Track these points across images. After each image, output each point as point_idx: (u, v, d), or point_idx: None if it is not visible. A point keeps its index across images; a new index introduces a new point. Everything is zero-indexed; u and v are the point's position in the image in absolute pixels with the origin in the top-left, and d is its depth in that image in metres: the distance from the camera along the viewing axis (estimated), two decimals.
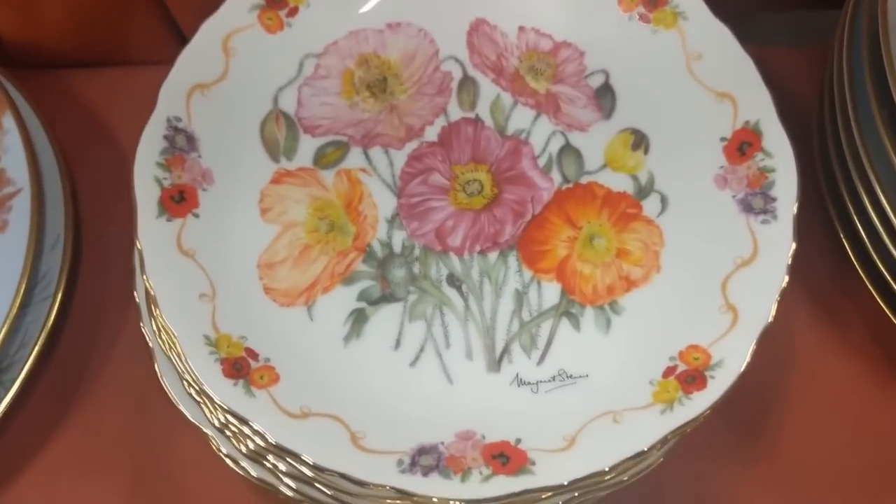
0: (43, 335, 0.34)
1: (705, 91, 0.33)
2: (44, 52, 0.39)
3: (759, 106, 0.32)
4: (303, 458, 0.27)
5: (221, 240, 0.30)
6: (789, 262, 0.30)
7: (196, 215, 0.30)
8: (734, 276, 0.30)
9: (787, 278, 0.29)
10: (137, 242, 0.29)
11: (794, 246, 0.30)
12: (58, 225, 0.35)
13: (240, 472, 0.31)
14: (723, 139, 0.32)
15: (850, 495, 0.34)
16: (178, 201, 0.30)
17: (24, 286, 0.33)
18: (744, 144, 0.32)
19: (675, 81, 0.33)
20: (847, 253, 0.35)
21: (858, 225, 0.33)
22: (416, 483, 0.26)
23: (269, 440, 0.27)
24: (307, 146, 0.32)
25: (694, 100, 0.33)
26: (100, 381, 0.35)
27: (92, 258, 0.37)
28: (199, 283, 0.29)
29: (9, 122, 0.35)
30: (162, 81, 0.32)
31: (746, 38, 0.34)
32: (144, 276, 0.29)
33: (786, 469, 0.34)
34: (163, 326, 0.30)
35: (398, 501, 0.27)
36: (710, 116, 0.33)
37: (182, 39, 0.40)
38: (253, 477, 0.30)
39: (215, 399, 0.27)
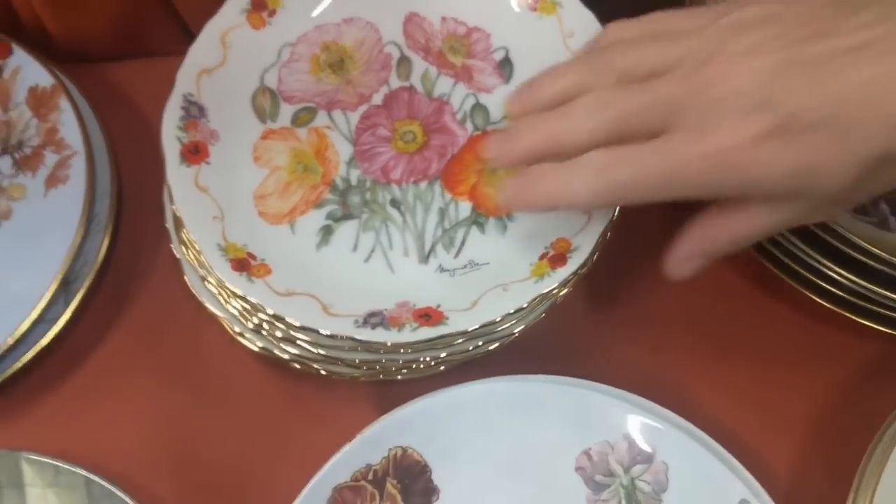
0: (99, 257, 0.46)
1: None
2: (85, 48, 0.51)
3: None
4: (289, 321, 0.38)
5: (227, 179, 0.42)
6: None
7: (208, 163, 0.42)
8: None
9: None
10: (167, 183, 0.41)
11: None
12: (105, 178, 0.47)
13: (248, 344, 0.43)
14: None
15: (706, 350, 0.46)
16: (194, 153, 0.42)
17: (83, 222, 0.45)
18: None
19: (555, 53, 0.45)
20: None
21: None
22: (366, 334, 0.38)
23: (267, 311, 0.39)
24: (286, 111, 0.44)
25: None
26: (143, 291, 0.46)
27: (131, 201, 0.48)
28: (211, 209, 0.41)
29: (64, 103, 0.47)
30: (176, 68, 0.44)
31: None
32: (173, 206, 0.41)
33: (650, 329, 0.45)
34: (188, 241, 0.42)
35: (357, 349, 0.40)
36: None
37: (190, 35, 0.52)
38: (258, 346, 0.42)
39: (228, 286, 0.39)
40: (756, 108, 0.31)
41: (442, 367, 0.43)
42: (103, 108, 0.49)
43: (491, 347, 0.42)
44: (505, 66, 0.46)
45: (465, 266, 0.42)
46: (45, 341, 0.44)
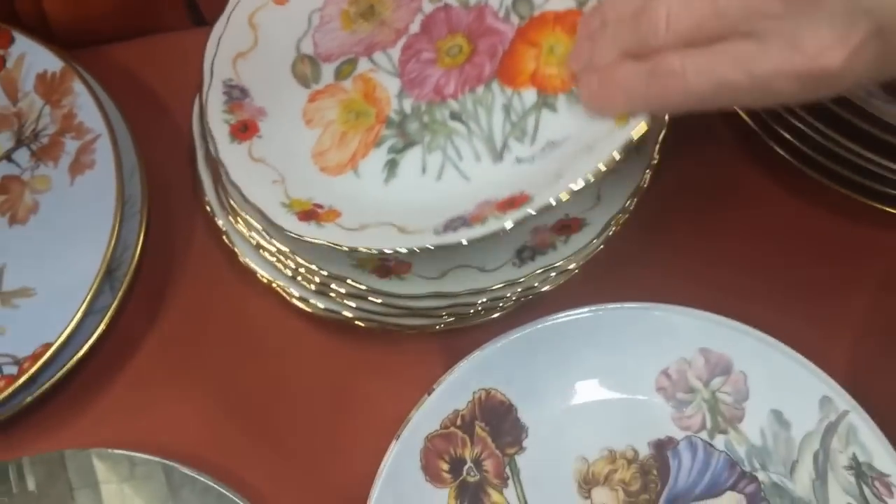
0: (139, 241, 0.44)
1: None
2: (86, 31, 0.49)
3: None
4: (365, 249, 0.36)
5: (282, 146, 0.41)
6: None
7: (259, 137, 0.41)
8: None
9: None
10: (219, 161, 0.40)
11: None
12: (130, 159, 0.45)
13: (309, 309, 0.42)
14: None
15: (758, 260, 0.46)
16: (243, 131, 0.41)
17: (119, 206, 0.43)
18: None
19: None
20: None
21: None
22: (448, 237, 0.36)
23: (343, 247, 0.36)
24: (328, 71, 0.43)
25: None
26: (185, 270, 0.45)
27: (156, 180, 0.46)
28: (269, 175, 0.40)
29: (78, 86, 0.45)
30: (182, 43, 0.43)
31: None
32: (231, 179, 0.39)
33: (704, 247, 0.46)
34: (240, 210, 0.40)
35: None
36: None
37: (192, 7, 0.50)
38: (321, 309, 0.42)
39: (296, 235, 0.37)
40: (850, 17, 0.30)
41: (498, 314, 0.43)
42: (114, 88, 0.47)
43: (547, 287, 0.42)
44: None
45: (544, 149, 0.40)
46: (97, 333, 0.42)
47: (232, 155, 0.40)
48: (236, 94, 0.42)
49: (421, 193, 0.40)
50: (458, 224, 0.37)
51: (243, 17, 0.43)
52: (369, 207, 0.39)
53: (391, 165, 0.41)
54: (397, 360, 0.43)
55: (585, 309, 0.41)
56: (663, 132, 0.43)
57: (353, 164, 0.41)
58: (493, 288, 0.40)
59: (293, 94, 0.43)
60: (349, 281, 0.39)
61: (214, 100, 0.41)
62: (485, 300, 0.40)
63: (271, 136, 0.41)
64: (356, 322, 0.42)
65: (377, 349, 0.43)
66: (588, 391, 0.41)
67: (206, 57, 0.42)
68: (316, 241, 0.37)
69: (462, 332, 0.43)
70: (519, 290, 0.40)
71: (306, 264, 0.40)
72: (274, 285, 0.42)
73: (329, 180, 0.40)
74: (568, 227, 0.41)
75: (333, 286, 0.40)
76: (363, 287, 0.39)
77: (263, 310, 0.44)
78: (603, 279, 0.43)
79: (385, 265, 0.40)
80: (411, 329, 0.42)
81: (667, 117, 0.42)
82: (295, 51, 0.43)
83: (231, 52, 0.42)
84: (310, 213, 0.38)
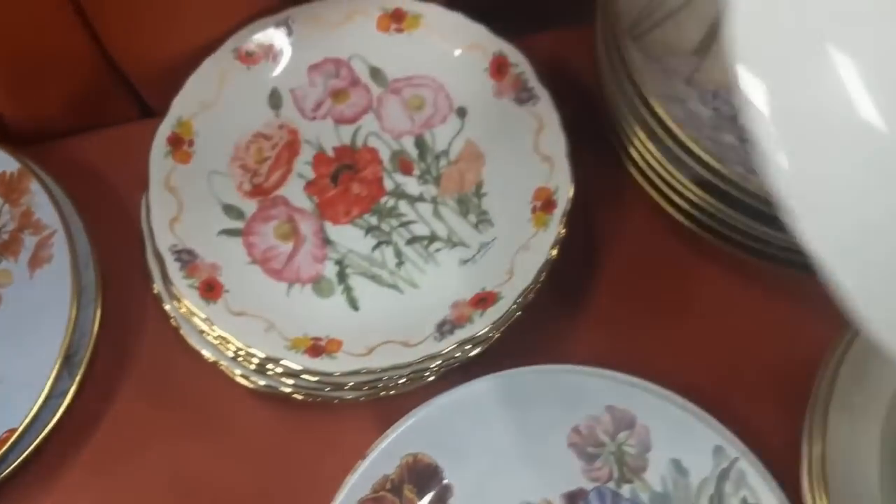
0: (94, 327, 0.48)
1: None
2: (41, 128, 0.53)
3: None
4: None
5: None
6: None
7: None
8: None
9: None
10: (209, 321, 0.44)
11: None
12: (85, 251, 0.49)
13: (251, 385, 0.46)
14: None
15: (658, 318, 0.51)
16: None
17: (75, 296, 0.47)
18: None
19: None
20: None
21: None
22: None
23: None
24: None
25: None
26: (139, 353, 0.49)
27: (113, 270, 0.50)
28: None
29: (35, 185, 0.49)
30: (131, 135, 0.49)
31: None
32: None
33: (610, 309, 0.50)
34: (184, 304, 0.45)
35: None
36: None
37: (141, 101, 0.55)
38: (262, 386, 0.46)
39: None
40: None
41: (431, 378, 0.47)
42: (68, 182, 0.51)
43: (474, 352, 0.46)
44: None
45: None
46: (56, 416, 0.46)
47: (215, 317, 0.44)
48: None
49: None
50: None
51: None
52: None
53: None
54: (334, 428, 0.47)
55: (503, 373, 0.45)
56: (568, 206, 0.47)
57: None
58: (416, 361, 0.44)
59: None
60: (283, 362, 0.43)
61: (172, 268, 0.45)
62: (409, 372, 0.45)
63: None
64: (294, 396, 0.46)
65: (315, 418, 0.47)
66: (507, 449, 0.45)
67: (151, 229, 0.46)
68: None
69: (394, 398, 0.47)
70: (440, 361, 0.45)
71: (245, 348, 0.44)
72: (218, 365, 0.46)
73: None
74: (484, 300, 0.46)
75: (269, 367, 0.44)
76: (297, 367, 0.43)
77: (211, 387, 0.48)
78: (520, 344, 0.48)
79: (317, 345, 0.44)
80: (345, 400, 0.46)
81: (571, 193, 0.47)
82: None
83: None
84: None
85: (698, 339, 0.50)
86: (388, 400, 0.47)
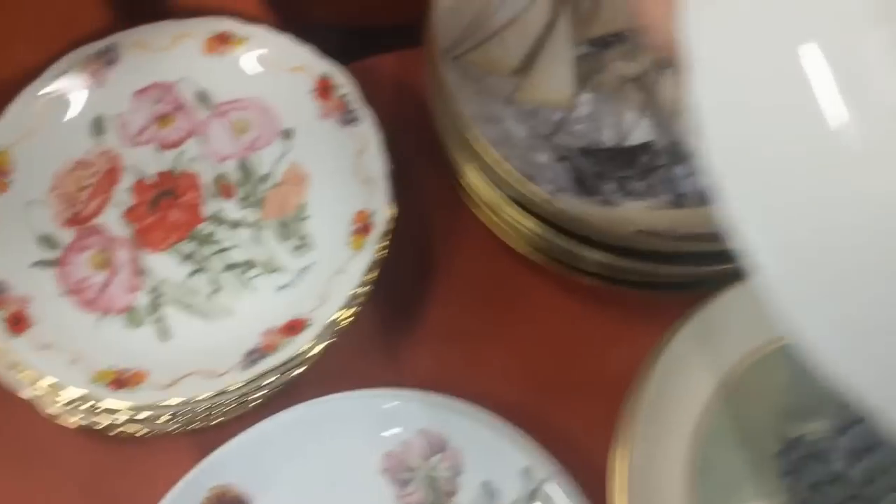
0: None
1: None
2: None
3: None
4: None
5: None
6: None
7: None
8: None
9: None
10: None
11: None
12: None
13: (66, 423, 0.46)
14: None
15: (479, 337, 0.51)
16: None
17: None
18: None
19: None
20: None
21: None
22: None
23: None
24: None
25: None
26: None
27: None
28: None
29: None
30: None
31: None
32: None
33: (434, 330, 0.51)
34: None
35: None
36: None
37: None
38: (78, 421, 0.45)
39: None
40: None
41: (252, 405, 0.47)
42: None
43: (296, 373, 0.46)
44: None
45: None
46: None
47: (19, 350, 0.44)
48: None
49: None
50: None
51: None
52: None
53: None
54: (148, 460, 0.47)
55: (314, 401, 0.45)
56: (385, 228, 0.47)
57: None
58: (219, 393, 0.43)
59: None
60: (82, 396, 0.43)
61: None
62: (220, 402, 0.44)
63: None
64: (112, 430, 0.45)
65: (131, 452, 0.47)
66: (318, 478, 0.45)
67: None
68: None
69: (223, 426, 0.47)
70: (247, 391, 0.44)
71: (40, 380, 0.43)
72: (33, 403, 0.46)
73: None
74: (293, 328, 0.45)
75: (76, 401, 0.44)
76: (96, 401, 0.43)
77: (29, 421, 0.47)
78: (347, 368, 0.48)
79: (120, 378, 0.44)
80: (168, 432, 0.46)
81: (388, 214, 0.47)
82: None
83: None
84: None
85: (521, 358, 0.50)
86: (205, 429, 0.46)
